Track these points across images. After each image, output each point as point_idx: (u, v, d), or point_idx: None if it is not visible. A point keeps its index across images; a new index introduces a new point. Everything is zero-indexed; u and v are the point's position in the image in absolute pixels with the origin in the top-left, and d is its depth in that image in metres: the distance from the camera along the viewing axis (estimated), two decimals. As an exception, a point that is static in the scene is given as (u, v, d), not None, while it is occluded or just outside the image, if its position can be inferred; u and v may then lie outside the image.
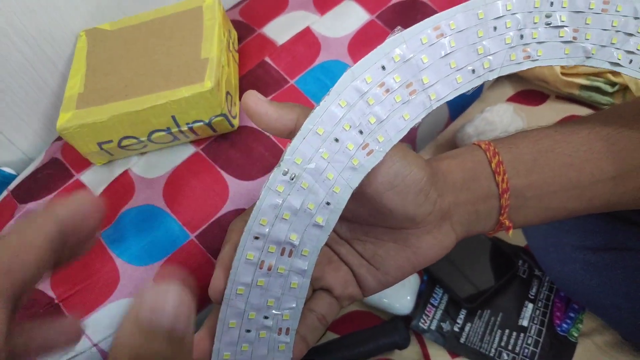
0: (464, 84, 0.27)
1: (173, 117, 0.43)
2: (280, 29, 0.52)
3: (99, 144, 0.45)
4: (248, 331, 0.26)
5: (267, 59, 0.51)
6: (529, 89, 0.66)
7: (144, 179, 0.46)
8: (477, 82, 0.27)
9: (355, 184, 0.26)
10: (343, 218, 0.30)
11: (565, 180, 0.32)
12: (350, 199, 0.26)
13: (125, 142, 0.45)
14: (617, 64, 0.29)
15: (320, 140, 0.25)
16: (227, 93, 0.45)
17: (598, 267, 0.43)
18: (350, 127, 0.26)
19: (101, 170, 0.48)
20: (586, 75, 0.61)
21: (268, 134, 0.45)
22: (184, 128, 0.44)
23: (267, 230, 0.25)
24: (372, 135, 0.26)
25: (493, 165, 0.31)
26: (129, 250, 0.43)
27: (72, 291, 0.42)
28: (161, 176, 0.46)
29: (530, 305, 0.49)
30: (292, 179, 0.25)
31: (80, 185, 0.47)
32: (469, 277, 0.50)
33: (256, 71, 0.50)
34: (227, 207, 0.45)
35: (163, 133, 0.44)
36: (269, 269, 0.26)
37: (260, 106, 0.26)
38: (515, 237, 0.53)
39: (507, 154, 0.32)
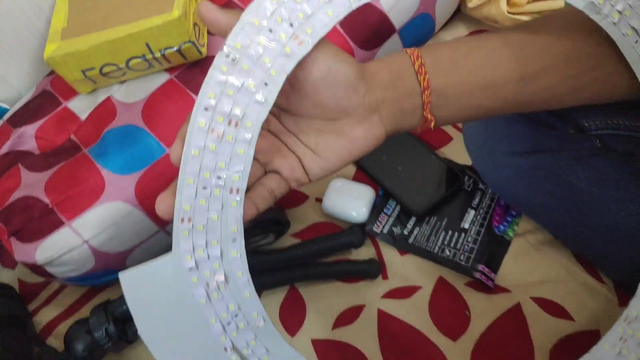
0: None
1: (147, 45, 0.49)
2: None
3: (83, 72, 0.50)
4: (204, 188, 0.32)
5: (234, -2, 0.56)
6: (481, 29, 0.71)
7: (124, 104, 0.52)
8: None
9: (289, 68, 0.31)
10: (289, 113, 0.35)
11: (480, 80, 0.37)
12: (292, 95, 0.32)
13: (106, 69, 0.50)
14: None
15: (257, 30, 0.31)
16: (195, 24, 0.50)
17: (525, 169, 0.48)
18: (281, 20, 0.31)
19: (86, 98, 0.54)
20: (531, 13, 0.67)
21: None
22: (157, 55, 0.49)
23: (214, 102, 0.31)
24: (301, 27, 0.31)
25: (416, 66, 0.36)
26: (112, 162, 0.49)
27: (63, 196, 0.48)
28: (140, 101, 0.52)
29: (472, 212, 0.55)
30: (234, 61, 0.30)
31: (68, 112, 0.53)
32: (420, 191, 0.56)
33: (225, 5, 0.56)
34: (199, 126, 0.51)
35: (139, 60, 0.50)
36: (219, 136, 0.31)
37: (211, 12, 0.32)
38: (462, 157, 0.59)
39: (429, 58, 0.37)
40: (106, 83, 0.53)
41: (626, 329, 0.43)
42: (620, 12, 0.34)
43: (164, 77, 0.52)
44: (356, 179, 0.60)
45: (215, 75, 0.31)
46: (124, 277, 0.33)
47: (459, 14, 0.73)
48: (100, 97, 0.53)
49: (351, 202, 0.56)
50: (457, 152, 0.60)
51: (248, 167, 0.33)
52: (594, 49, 0.36)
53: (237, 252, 0.35)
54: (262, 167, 0.36)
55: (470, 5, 0.69)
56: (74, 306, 0.57)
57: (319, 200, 0.59)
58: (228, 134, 0.32)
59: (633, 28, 0.35)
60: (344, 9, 0.32)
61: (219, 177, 0.32)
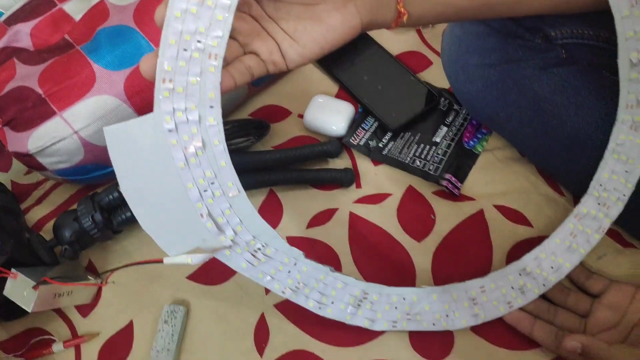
0: None
1: (139, -54, 0.51)
2: None
3: (78, -29, 0.52)
4: (185, 50, 0.35)
5: None
6: None
7: (116, 6, 0.54)
8: None
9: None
10: None
11: None
12: None
13: (99, -30, 0.52)
14: None
15: None
16: None
17: (494, 81, 0.51)
18: None
19: (80, 1, 0.56)
20: None
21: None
22: (149, -43, 0.51)
23: (197, -35, 0.33)
24: None
25: None
26: (103, 58, 0.51)
27: (56, 88, 0.50)
28: (132, 3, 0.54)
29: (445, 128, 0.58)
30: None
31: (62, 13, 0.55)
32: (397, 108, 0.59)
33: None
34: (187, 30, 0.53)
35: (131, -39, 0.52)
36: (200, 1, 0.34)
37: None
38: (440, 82, 0.61)
39: None
40: (99, -13, 0.55)
41: (577, 225, 0.47)
42: None
43: (155, -17, 0.54)
44: (338, 96, 0.63)
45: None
46: (108, 131, 0.36)
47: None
48: (94, 0, 0.55)
49: (331, 116, 0.59)
50: (435, 76, 0.63)
51: (227, 34, 0.35)
52: None
53: (215, 120, 0.38)
54: (241, 48, 0.39)
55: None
56: (63, 205, 0.60)
57: (301, 116, 0.61)
58: (208, 0, 0.34)
59: None
60: None
61: (198, 41, 0.35)
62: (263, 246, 0.42)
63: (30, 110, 0.50)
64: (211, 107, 0.37)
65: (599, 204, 0.46)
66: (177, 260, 0.40)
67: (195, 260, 0.40)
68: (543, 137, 0.51)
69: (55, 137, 0.50)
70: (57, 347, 0.50)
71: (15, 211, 0.57)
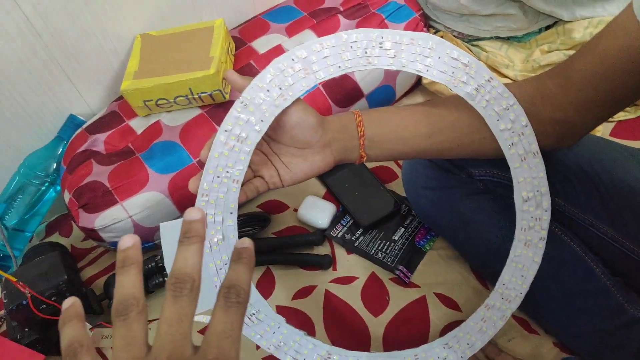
0: (334, 73, 0.55)
1: (189, 89, 0.72)
2: (262, 45, 0.82)
3: (144, 102, 0.74)
4: (218, 177, 0.54)
5: (252, 62, 0.80)
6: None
7: (168, 126, 0.75)
8: (340, 72, 0.56)
9: (276, 113, 0.54)
10: (274, 141, 0.57)
11: (395, 134, 0.57)
12: (279, 130, 0.53)
13: (160, 102, 0.74)
14: (420, 71, 0.57)
15: (260, 90, 0.54)
16: (224, 78, 0.74)
17: (435, 200, 0.70)
18: (275, 85, 0.54)
19: (142, 119, 0.77)
20: (470, 94, 0.90)
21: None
22: (196, 96, 0.73)
23: (231, 127, 0.53)
24: (286, 91, 0.54)
25: (357, 121, 0.58)
26: (156, 164, 0.71)
27: (120, 184, 0.70)
28: (179, 125, 0.75)
29: (402, 229, 0.77)
30: (245, 106, 0.53)
31: (128, 127, 0.77)
32: (368, 210, 0.78)
33: (244, 68, 0.80)
34: (217, 147, 0.73)
35: (183, 98, 0.73)
36: (230, 147, 0.54)
37: (234, 77, 0.55)
38: (403, 190, 0.80)
39: (365, 116, 0.57)
40: (158, 111, 0.76)
41: (486, 313, 0.64)
42: (487, 101, 0.56)
43: (197, 111, 0.76)
44: (325, 197, 0.82)
45: (233, 112, 0.53)
46: (164, 226, 0.55)
47: (420, 86, 0.98)
48: (152, 120, 0.76)
49: (318, 213, 0.78)
50: (399, 187, 0.82)
51: (245, 167, 0.55)
52: (473, 120, 0.55)
53: (232, 222, 0.56)
54: (252, 173, 0.58)
55: (424, 81, 0.93)
56: (111, 267, 0.78)
57: (296, 210, 0.80)
58: (236, 147, 0.54)
59: (495, 111, 0.57)
60: (312, 82, 0.55)
61: (227, 172, 0.54)
62: (256, 312, 0.59)
63: (100, 199, 0.70)
64: (231, 213, 0.56)
65: (502, 298, 0.62)
66: (196, 319, 0.57)
67: (208, 320, 0.57)
68: (469, 244, 0.68)
69: (115, 219, 0.69)
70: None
71: (74, 269, 0.75)
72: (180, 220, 0.56)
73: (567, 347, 0.63)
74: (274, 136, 0.54)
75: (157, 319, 0.29)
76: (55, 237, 0.84)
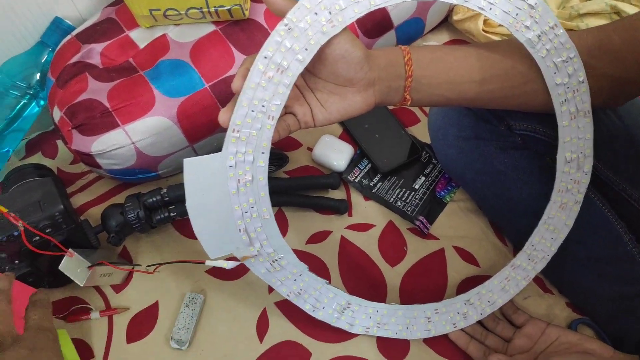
0: (390, 1, 0.48)
1: (206, 1, 0.62)
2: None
3: (150, 10, 0.63)
4: (252, 111, 0.47)
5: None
6: (460, 39, 0.88)
7: (176, 42, 0.66)
8: (396, 1, 0.48)
9: (322, 42, 0.46)
10: (312, 74, 0.50)
11: (446, 77, 0.52)
12: (319, 63, 0.46)
13: (169, 12, 0.64)
14: (482, 9, 0.50)
15: (307, 12, 0.46)
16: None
17: (466, 150, 0.66)
18: (324, 8, 0.46)
19: (145, 31, 0.67)
20: (501, 34, 0.84)
21: (268, 25, 0.65)
22: (212, 9, 0.63)
23: (271, 54, 0.46)
24: (336, 16, 0.47)
25: (405, 59, 0.52)
26: (163, 85, 0.63)
27: (122, 105, 0.61)
28: (189, 42, 0.65)
29: (423, 178, 0.73)
30: (289, 29, 0.45)
31: (129, 39, 0.66)
32: (388, 155, 0.73)
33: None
34: (232, 71, 0.65)
35: (196, 10, 0.63)
36: (269, 77, 0.46)
37: None
38: (424, 136, 0.75)
39: (415, 54, 0.52)
40: (164, 23, 0.66)
41: (511, 272, 0.62)
42: (547, 50, 0.51)
43: (210, 28, 0.66)
44: (341, 137, 0.76)
45: (275, 36, 0.45)
46: (187, 161, 0.48)
47: (446, 22, 0.90)
48: (158, 32, 0.66)
49: (334, 154, 0.72)
50: (421, 132, 0.77)
51: (283, 102, 0.48)
52: (527, 70, 0.51)
53: (263, 162, 0.50)
54: (284, 109, 0.51)
55: (455, 17, 0.86)
56: (105, 195, 0.70)
57: (310, 149, 0.75)
58: (275, 78, 0.47)
59: (554, 63, 0.52)
60: (365, 8, 0.47)
61: (262, 106, 0.47)
62: (279, 258, 0.55)
63: (98, 119, 0.61)
64: (262, 152, 0.50)
65: (529, 259, 0.61)
66: (216, 264, 0.52)
67: (229, 265, 0.53)
68: (496, 199, 0.65)
69: (115, 144, 0.61)
70: (93, 315, 0.61)
71: (67, 196, 0.67)
72: (205, 157, 0.50)
73: (581, 309, 0.63)
74: (312, 69, 0.47)
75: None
76: (38, 158, 0.75)
